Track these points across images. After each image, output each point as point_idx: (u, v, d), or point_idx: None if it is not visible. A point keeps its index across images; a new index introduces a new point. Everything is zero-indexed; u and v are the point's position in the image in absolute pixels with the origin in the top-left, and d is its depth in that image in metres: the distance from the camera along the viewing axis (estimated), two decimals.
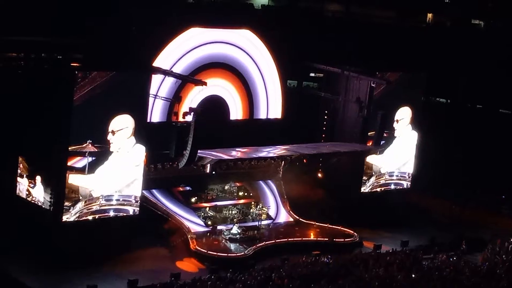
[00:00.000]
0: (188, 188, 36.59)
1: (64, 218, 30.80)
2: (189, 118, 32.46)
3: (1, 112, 32.03)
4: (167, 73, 34.39)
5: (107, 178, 31.51)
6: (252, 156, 36.36)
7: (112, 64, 32.41)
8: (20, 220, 31.76)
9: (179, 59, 35.82)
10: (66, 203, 30.78)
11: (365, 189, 39.56)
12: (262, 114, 39.17)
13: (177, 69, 35.51)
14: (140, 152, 32.29)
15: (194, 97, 35.99)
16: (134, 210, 32.56)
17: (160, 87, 34.62)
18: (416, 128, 40.67)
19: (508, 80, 46.67)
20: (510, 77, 46.71)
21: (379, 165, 39.65)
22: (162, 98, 34.52)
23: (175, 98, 34.30)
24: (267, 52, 38.78)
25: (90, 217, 31.43)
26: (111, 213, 31.99)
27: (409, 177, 41.05)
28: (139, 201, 32.67)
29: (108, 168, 31.49)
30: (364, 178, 39.43)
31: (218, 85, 37.42)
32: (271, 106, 39.29)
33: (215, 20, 37.64)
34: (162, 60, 35.23)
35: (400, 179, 40.85)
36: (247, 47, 38.22)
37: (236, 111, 38.33)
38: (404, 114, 40.17)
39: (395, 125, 39.99)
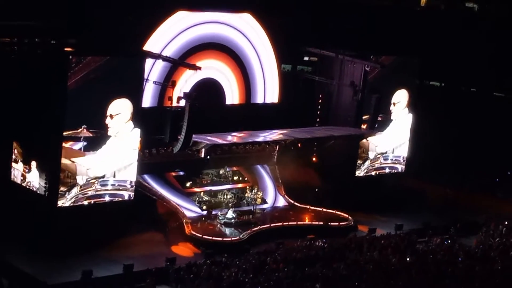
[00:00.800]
0: (182, 173, 36.58)
1: (60, 203, 30.78)
2: (183, 102, 32.42)
3: None
4: (161, 57, 34.28)
5: (105, 159, 31.47)
6: (247, 140, 36.35)
7: (106, 49, 32.28)
8: (15, 206, 31.70)
9: (171, 41, 35.43)
10: (62, 188, 30.75)
11: (360, 173, 39.66)
12: (259, 99, 39.06)
13: (169, 51, 35.17)
14: (138, 136, 32.31)
15: (187, 80, 35.68)
16: (129, 195, 32.54)
17: (151, 71, 34.43)
18: (411, 111, 40.73)
19: (502, 64, 46.68)
20: (504, 61, 46.72)
21: (375, 144, 39.65)
22: (156, 83, 34.45)
23: (169, 82, 34.21)
24: (264, 34, 38.51)
25: (85, 202, 31.41)
26: (107, 198, 31.98)
27: (403, 161, 41.15)
28: (134, 186, 32.64)
29: (105, 150, 31.46)
30: (359, 162, 39.51)
31: (212, 67, 37.07)
32: (268, 90, 39.18)
33: (214, 3, 37.41)
34: (153, 42, 34.87)
35: (394, 163, 40.96)
36: (242, 27, 37.99)
37: (232, 95, 38.17)
38: (400, 97, 40.29)
39: (391, 108, 40.07)
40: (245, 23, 38.07)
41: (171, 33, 35.59)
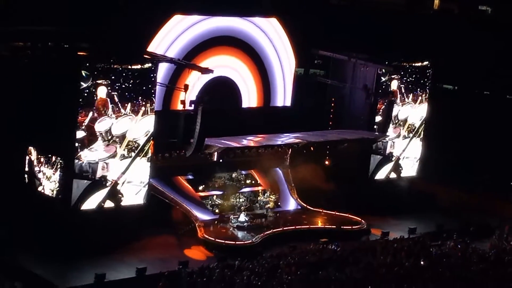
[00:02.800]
0: (194, 176, 36.58)
1: (72, 206, 30.82)
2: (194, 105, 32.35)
3: (8, 102, 32.05)
4: (173, 61, 34.27)
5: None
6: (260, 144, 36.34)
7: (119, 53, 32.37)
8: (29, 209, 31.80)
9: (178, 36, 34.96)
10: None
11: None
12: (279, 102, 38.92)
13: (176, 47, 34.80)
14: None
15: (195, 83, 35.03)
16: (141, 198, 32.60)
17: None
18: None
19: None
20: None
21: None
22: (168, 86, 34.39)
23: (182, 86, 34.13)
24: (285, 35, 38.42)
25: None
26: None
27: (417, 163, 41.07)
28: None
29: None
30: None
31: (226, 65, 36.85)
32: (287, 92, 39.06)
33: (225, 8, 37.42)
34: (159, 40, 34.54)
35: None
36: (260, 23, 37.65)
37: (249, 96, 38.00)
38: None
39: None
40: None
41: (179, 28, 35.08)
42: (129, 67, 30.24)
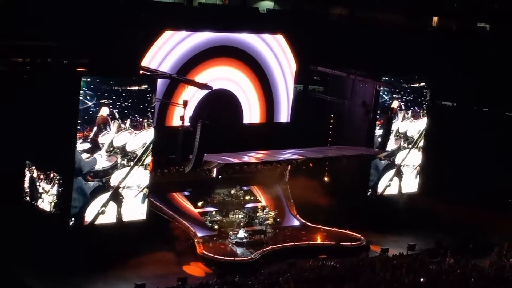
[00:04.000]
0: (193, 192, 36.53)
1: (71, 222, 30.81)
2: (193, 121, 32.35)
3: (7, 117, 32.07)
4: (172, 77, 34.32)
5: None
6: (259, 160, 36.31)
7: (118, 69, 32.52)
8: (27, 224, 31.75)
9: (174, 47, 35.24)
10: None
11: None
12: (283, 117, 39.03)
13: (171, 59, 35.06)
14: None
15: (192, 96, 35.01)
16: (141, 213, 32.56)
17: None
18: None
19: None
20: None
21: None
22: (168, 102, 34.44)
23: (182, 102, 34.14)
24: (289, 50, 38.55)
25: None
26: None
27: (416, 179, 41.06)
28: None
29: None
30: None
31: (225, 77, 36.88)
32: (290, 108, 39.17)
33: (224, 24, 37.47)
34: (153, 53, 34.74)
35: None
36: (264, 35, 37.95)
37: (250, 110, 38.04)
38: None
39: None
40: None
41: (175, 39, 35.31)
42: (128, 88, 31.54)
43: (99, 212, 31.32)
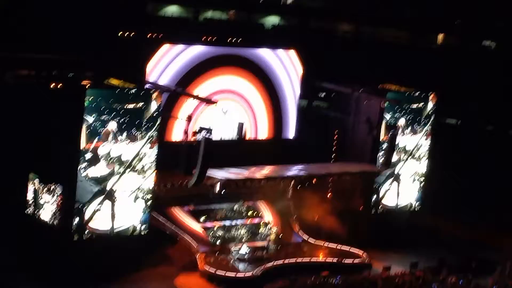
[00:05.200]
0: (196, 207, 36.48)
1: (73, 234, 30.79)
2: (197, 136, 32.38)
3: (11, 129, 32.13)
4: (176, 91, 34.36)
5: None
6: (262, 176, 36.25)
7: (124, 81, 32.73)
8: (28, 237, 31.73)
9: (174, 58, 35.51)
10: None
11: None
12: (290, 133, 39.13)
13: (171, 71, 35.37)
14: None
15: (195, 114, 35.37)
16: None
17: None
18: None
19: None
20: None
21: None
22: (173, 117, 34.46)
23: (186, 117, 34.18)
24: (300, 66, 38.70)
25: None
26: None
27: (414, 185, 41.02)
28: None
29: None
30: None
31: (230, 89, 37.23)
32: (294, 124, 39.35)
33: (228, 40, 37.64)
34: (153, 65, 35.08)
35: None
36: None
37: (257, 125, 38.30)
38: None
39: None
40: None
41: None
42: (128, 106, 31.97)
43: (95, 210, 31.37)
